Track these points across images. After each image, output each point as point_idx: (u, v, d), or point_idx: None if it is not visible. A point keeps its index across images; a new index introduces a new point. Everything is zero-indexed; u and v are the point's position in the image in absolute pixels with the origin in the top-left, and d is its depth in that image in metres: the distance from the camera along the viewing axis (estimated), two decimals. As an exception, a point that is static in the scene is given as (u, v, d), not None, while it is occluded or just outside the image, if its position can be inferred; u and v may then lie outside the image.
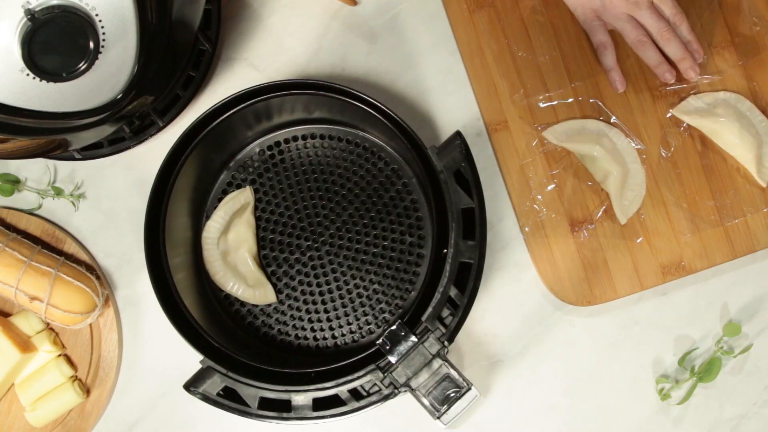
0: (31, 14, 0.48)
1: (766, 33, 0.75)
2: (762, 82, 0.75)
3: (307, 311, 0.73)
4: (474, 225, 0.64)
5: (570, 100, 0.74)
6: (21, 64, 0.49)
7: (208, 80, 0.76)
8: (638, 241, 0.73)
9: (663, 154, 0.74)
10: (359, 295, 0.72)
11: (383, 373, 0.62)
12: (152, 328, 0.75)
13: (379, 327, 0.72)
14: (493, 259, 0.75)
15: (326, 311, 0.73)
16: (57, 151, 0.63)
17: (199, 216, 0.73)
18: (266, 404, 0.63)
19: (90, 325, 0.73)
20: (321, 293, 0.73)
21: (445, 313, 0.64)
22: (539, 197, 0.74)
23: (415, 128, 0.66)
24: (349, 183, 0.73)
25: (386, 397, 0.62)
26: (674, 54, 0.71)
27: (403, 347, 0.61)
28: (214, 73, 0.77)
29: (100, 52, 0.51)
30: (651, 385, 0.74)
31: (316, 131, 0.74)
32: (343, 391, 0.62)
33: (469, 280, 0.64)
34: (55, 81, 0.51)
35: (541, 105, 0.74)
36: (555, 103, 0.74)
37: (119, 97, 0.56)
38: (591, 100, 0.74)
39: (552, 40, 0.75)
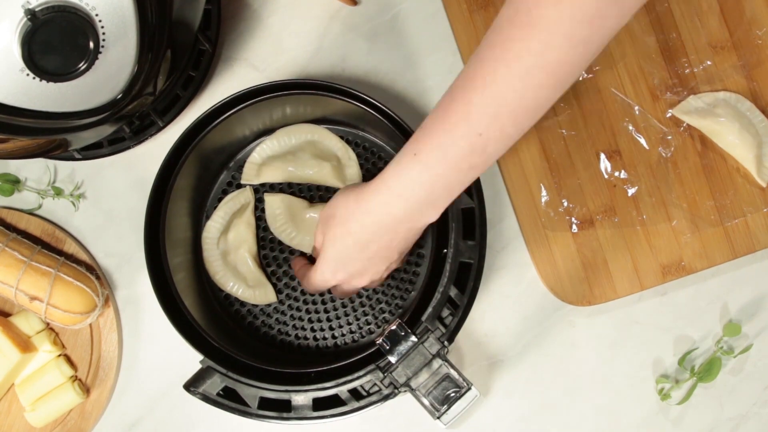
0: (31, 14, 0.48)
1: None
2: (762, 82, 0.75)
3: (307, 311, 0.73)
4: (474, 225, 0.64)
5: (567, 96, 0.74)
6: (21, 64, 0.49)
7: (208, 80, 0.76)
8: (638, 240, 0.73)
9: (663, 154, 0.74)
10: (359, 295, 0.72)
11: (383, 373, 0.62)
12: (152, 328, 0.75)
13: (379, 327, 0.72)
14: (493, 259, 0.75)
15: (326, 311, 0.73)
16: (57, 151, 0.63)
17: (199, 216, 0.73)
18: (266, 404, 0.63)
19: (90, 325, 0.73)
20: (321, 293, 0.73)
21: (445, 313, 0.64)
22: (539, 197, 0.74)
23: (415, 128, 0.66)
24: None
25: (386, 397, 0.62)
26: None
27: (403, 347, 0.61)
28: (214, 73, 0.77)
29: (100, 52, 0.51)
30: (651, 385, 0.74)
31: (316, 131, 0.74)
32: (343, 391, 0.62)
33: (469, 280, 0.64)
34: (55, 81, 0.51)
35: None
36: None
37: (119, 97, 0.56)
38: (591, 99, 0.74)
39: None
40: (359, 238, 0.59)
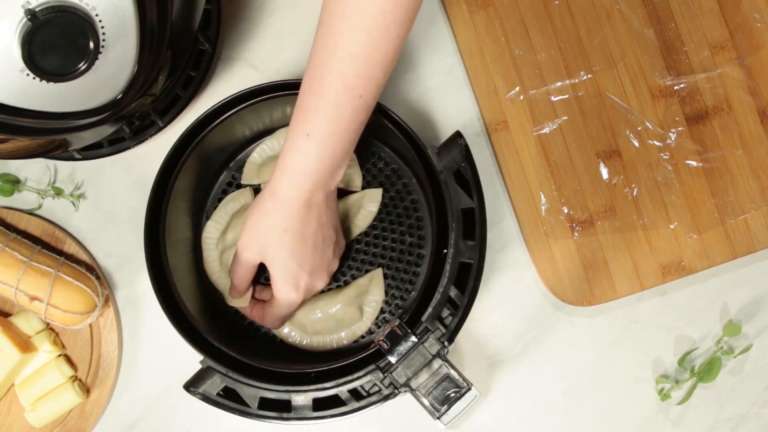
0: (31, 14, 0.48)
1: (767, 29, 0.75)
2: (761, 81, 0.75)
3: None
4: (474, 225, 0.64)
5: (567, 96, 0.74)
6: (21, 64, 0.49)
7: (208, 80, 0.76)
8: (638, 241, 0.73)
9: (663, 155, 0.74)
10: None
11: (383, 373, 0.62)
12: (152, 328, 0.75)
13: (379, 327, 0.72)
14: (493, 259, 0.75)
15: (326, 311, 0.73)
16: (57, 151, 0.63)
17: (199, 216, 0.73)
18: (266, 404, 0.63)
19: (90, 325, 0.73)
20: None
21: (445, 313, 0.64)
22: (539, 197, 0.74)
23: (415, 128, 0.66)
24: (349, 183, 0.73)
25: (386, 398, 0.62)
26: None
27: (403, 347, 0.61)
28: (214, 73, 0.77)
29: (100, 52, 0.51)
30: (651, 385, 0.74)
31: (316, 131, 0.74)
32: (343, 391, 0.62)
33: (469, 280, 0.64)
34: (55, 81, 0.51)
35: (540, 103, 0.74)
36: (555, 100, 0.74)
37: (119, 97, 0.56)
38: (591, 99, 0.75)
39: (551, 38, 0.75)
40: (295, 231, 0.60)
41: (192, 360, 0.63)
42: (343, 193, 0.73)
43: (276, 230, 0.60)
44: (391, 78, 0.76)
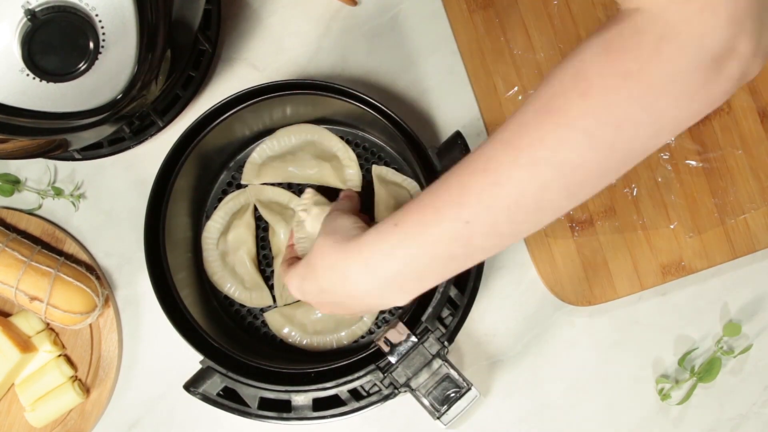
0: (31, 14, 0.48)
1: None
2: (761, 81, 0.75)
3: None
4: (474, 225, 0.64)
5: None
6: (21, 64, 0.49)
7: (208, 80, 0.76)
8: (638, 241, 0.73)
9: (662, 155, 0.74)
10: (359, 295, 0.72)
11: (383, 374, 0.62)
12: (152, 328, 0.75)
13: (379, 327, 0.72)
14: (493, 259, 0.75)
15: (326, 311, 0.72)
16: (57, 151, 0.63)
17: (199, 216, 0.73)
18: (266, 404, 0.63)
19: (90, 325, 0.73)
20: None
21: (445, 313, 0.64)
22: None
23: (415, 128, 0.66)
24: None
25: (386, 398, 0.62)
26: None
27: (403, 347, 0.61)
28: (214, 73, 0.77)
29: (100, 52, 0.51)
30: (651, 385, 0.74)
31: (316, 131, 0.74)
32: (343, 391, 0.62)
33: (469, 280, 0.64)
34: (55, 81, 0.51)
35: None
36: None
37: (119, 97, 0.56)
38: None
39: (551, 38, 0.75)
40: (326, 292, 0.53)
41: (192, 360, 0.63)
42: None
43: (314, 276, 0.53)
44: (391, 78, 0.76)
